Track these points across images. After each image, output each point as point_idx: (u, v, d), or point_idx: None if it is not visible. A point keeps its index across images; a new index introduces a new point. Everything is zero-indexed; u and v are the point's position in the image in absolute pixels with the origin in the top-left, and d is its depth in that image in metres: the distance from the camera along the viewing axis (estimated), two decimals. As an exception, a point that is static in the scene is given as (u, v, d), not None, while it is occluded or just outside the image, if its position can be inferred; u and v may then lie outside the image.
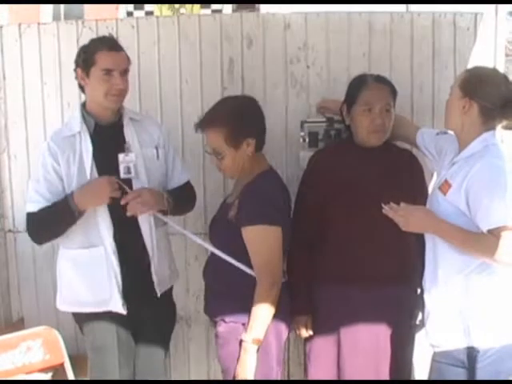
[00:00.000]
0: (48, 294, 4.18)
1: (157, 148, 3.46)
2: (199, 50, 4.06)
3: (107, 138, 3.33)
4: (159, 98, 4.08)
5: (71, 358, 3.70)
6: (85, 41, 3.96)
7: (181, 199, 3.48)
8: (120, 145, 3.35)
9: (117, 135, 3.37)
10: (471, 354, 2.94)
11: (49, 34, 4.15)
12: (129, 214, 3.23)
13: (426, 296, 3.16)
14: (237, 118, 3.12)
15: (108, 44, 3.29)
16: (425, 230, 3.05)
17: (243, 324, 3.12)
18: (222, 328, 3.20)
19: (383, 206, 2.99)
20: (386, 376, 3.38)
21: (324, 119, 3.92)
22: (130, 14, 8.57)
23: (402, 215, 2.96)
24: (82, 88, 3.39)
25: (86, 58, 3.26)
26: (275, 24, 4.01)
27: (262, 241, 3.11)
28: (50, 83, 4.18)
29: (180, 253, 4.02)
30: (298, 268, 3.44)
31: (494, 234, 2.79)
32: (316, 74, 4.02)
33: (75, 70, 3.34)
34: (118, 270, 3.28)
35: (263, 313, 3.08)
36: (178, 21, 4.09)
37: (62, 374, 3.68)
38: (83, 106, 3.40)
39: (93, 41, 3.37)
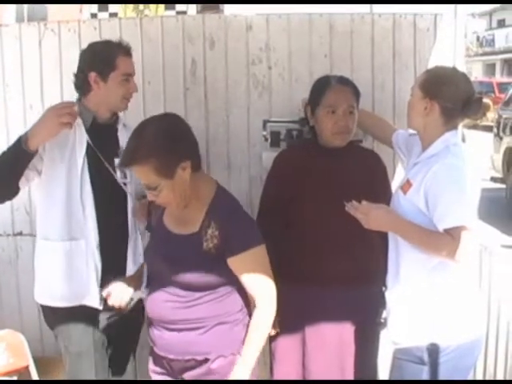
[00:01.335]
0: (12, 296, 4.16)
1: None
2: (162, 52, 4.07)
3: (102, 136, 3.30)
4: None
5: (36, 360, 3.70)
6: (47, 43, 3.98)
7: None
8: (113, 147, 3.32)
9: (111, 137, 3.37)
10: (432, 350, 2.96)
11: (11, 35, 4.13)
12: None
13: (387, 293, 3.18)
14: (162, 145, 2.70)
15: (125, 49, 3.30)
16: (385, 227, 3.06)
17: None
18: (218, 364, 2.85)
19: (345, 203, 3.01)
20: (350, 374, 3.41)
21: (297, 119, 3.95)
22: (94, 15, 8.51)
23: (363, 213, 2.98)
24: (81, 88, 3.34)
25: (106, 63, 3.24)
26: (237, 25, 4.04)
27: (258, 263, 2.86)
28: (12, 85, 4.16)
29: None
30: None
31: (451, 233, 2.81)
32: (278, 74, 4.05)
33: (83, 72, 3.28)
34: (99, 264, 3.28)
35: (263, 339, 2.88)
36: (140, 22, 4.10)
37: (26, 377, 3.67)
38: (79, 100, 3.35)
39: (109, 45, 3.32)
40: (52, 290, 3.34)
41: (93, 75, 3.25)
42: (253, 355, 2.84)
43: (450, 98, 2.97)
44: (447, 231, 2.82)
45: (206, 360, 2.85)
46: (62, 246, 3.29)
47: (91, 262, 3.27)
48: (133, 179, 3.36)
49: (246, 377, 2.80)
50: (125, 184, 3.34)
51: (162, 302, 2.88)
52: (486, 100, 3.03)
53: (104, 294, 2.98)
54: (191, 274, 2.80)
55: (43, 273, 3.39)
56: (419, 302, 3.00)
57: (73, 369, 3.37)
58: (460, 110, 2.98)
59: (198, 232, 2.82)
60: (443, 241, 2.83)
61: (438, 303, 2.97)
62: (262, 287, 2.88)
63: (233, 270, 2.83)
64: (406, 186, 3.04)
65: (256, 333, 2.86)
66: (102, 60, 3.26)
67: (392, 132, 3.56)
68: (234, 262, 2.81)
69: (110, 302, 2.96)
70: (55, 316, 3.36)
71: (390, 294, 3.15)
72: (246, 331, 2.88)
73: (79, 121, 3.27)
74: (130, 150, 2.74)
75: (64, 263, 3.29)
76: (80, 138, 3.25)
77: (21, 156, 3.13)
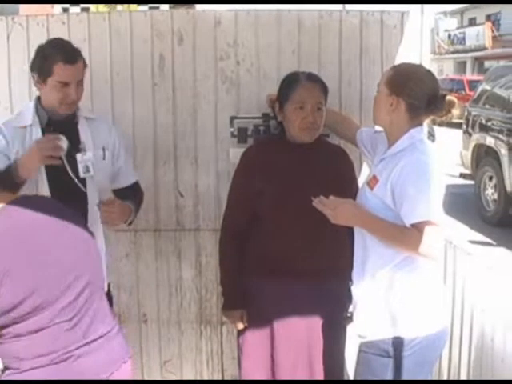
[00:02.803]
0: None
1: (104, 149, 3.43)
2: (130, 47, 4.04)
3: (60, 133, 3.22)
4: (90, 95, 3.98)
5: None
6: (15, 37, 3.94)
7: (137, 205, 3.50)
8: (72, 143, 3.24)
9: (70, 132, 3.27)
10: (397, 343, 2.99)
11: (-22, 30, 4.08)
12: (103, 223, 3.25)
13: (353, 288, 3.21)
14: None
15: (65, 56, 3.20)
16: (352, 222, 3.09)
17: None
18: None
19: (313, 198, 3.03)
20: (319, 368, 3.43)
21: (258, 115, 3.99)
22: (65, 10, 8.50)
23: (331, 208, 3.00)
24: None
25: (43, 67, 3.21)
26: (205, 21, 4.02)
27: None
28: (-21, 80, 4.11)
29: (112, 249, 4.02)
30: (230, 261, 3.50)
31: (418, 228, 2.84)
32: (246, 70, 4.05)
33: (31, 72, 3.28)
34: None
35: None
36: (108, 17, 4.06)
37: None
38: (39, 98, 3.34)
39: (50, 48, 3.25)
40: None
41: (35, 76, 3.25)
42: None
43: (416, 95, 2.99)
44: (414, 226, 2.86)
45: None
46: None
47: None
48: (99, 173, 3.36)
49: None
50: (84, 181, 3.31)
51: None
52: (450, 97, 3.05)
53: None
54: None
55: None
56: (384, 296, 3.03)
57: None
58: (425, 107, 3.01)
59: None
60: (410, 235, 2.87)
61: (402, 297, 3.01)
62: None
63: None
64: (372, 181, 3.07)
65: None
66: (40, 65, 3.23)
67: (356, 130, 3.58)
68: None
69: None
70: None
71: (356, 289, 3.18)
72: None
73: (35, 119, 3.28)
74: None
75: None
76: (35, 138, 3.22)
77: (14, 181, 3.05)
